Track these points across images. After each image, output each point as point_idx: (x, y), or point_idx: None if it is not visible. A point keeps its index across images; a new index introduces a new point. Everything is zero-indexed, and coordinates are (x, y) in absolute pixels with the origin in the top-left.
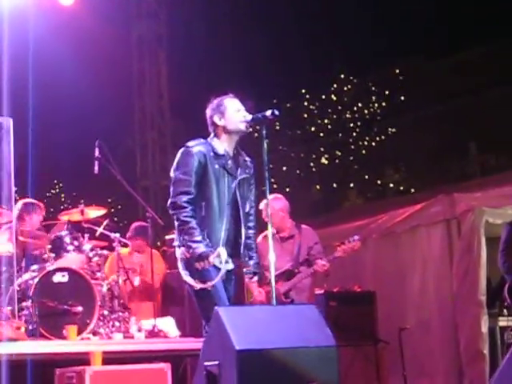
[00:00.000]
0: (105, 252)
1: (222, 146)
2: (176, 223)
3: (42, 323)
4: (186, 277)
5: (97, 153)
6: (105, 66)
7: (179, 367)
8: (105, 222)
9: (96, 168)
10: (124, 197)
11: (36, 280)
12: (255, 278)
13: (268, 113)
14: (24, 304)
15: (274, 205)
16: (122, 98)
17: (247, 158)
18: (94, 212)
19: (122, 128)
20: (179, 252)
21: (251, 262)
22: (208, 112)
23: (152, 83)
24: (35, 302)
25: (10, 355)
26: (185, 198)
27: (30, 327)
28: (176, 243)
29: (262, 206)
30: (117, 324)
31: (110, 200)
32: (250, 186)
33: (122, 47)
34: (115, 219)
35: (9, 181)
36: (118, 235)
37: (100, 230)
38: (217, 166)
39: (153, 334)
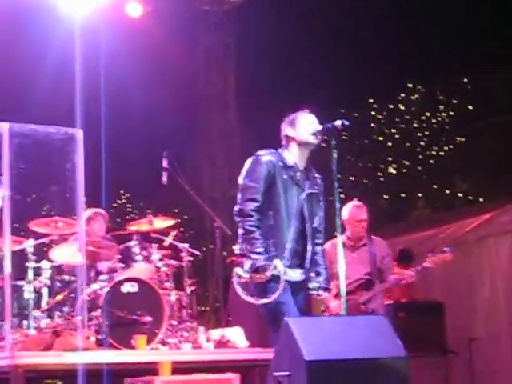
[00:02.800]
0: (173, 262)
1: (292, 157)
2: (240, 231)
3: (111, 333)
4: (244, 297)
5: (165, 163)
6: (173, 77)
7: (248, 377)
8: (173, 233)
9: (164, 179)
10: (190, 207)
11: (105, 290)
12: (325, 294)
13: (338, 123)
14: (93, 314)
15: (351, 212)
16: (190, 109)
17: (317, 175)
18: (162, 222)
19: (190, 139)
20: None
21: (320, 278)
22: (282, 126)
23: (219, 94)
24: (104, 312)
25: (80, 365)
26: (252, 205)
27: (100, 337)
28: (236, 251)
29: (344, 215)
30: (185, 334)
31: (176, 210)
32: (319, 203)
33: (189, 58)
34: (182, 229)
35: (79, 192)
36: (186, 245)
37: (168, 240)
38: (285, 177)
39: (221, 344)
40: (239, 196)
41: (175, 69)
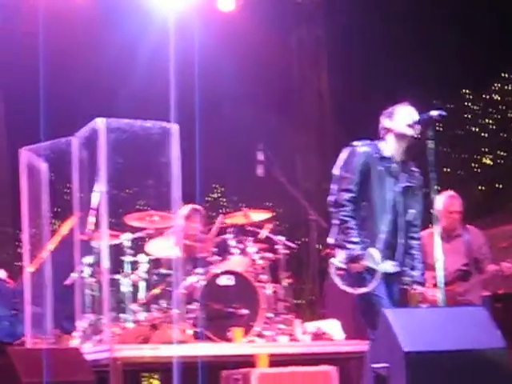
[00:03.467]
0: (269, 255)
1: (389, 149)
2: (335, 221)
3: (207, 326)
4: (343, 287)
5: (260, 156)
6: (266, 70)
7: (344, 370)
8: (269, 225)
9: (260, 171)
10: (284, 200)
11: (202, 283)
12: (420, 288)
13: (434, 113)
14: (190, 307)
15: (445, 202)
16: (284, 100)
17: (415, 169)
18: (257, 215)
19: (283, 130)
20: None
21: (416, 273)
22: (381, 118)
23: (312, 85)
24: (201, 305)
25: (177, 358)
26: (347, 195)
27: (197, 330)
28: (331, 241)
29: (438, 205)
30: (281, 326)
31: (270, 203)
32: (415, 197)
33: (282, 51)
34: (277, 222)
35: (176, 186)
36: (282, 238)
37: (264, 232)
38: (381, 168)
39: (317, 336)
40: (334, 186)
41: (268, 61)
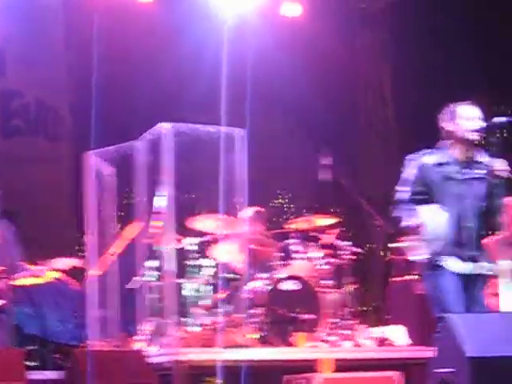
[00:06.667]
0: (334, 260)
1: None
2: None
3: (271, 330)
4: None
5: (324, 161)
6: (329, 74)
7: (409, 376)
8: (333, 231)
9: (323, 176)
10: (349, 206)
11: (266, 288)
12: None
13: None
14: (254, 311)
15: None
16: (347, 106)
17: None
18: (322, 221)
19: (347, 136)
20: None
21: None
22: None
23: (376, 90)
24: (265, 310)
25: (240, 362)
26: None
27: (260, 334)
28: None
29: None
30: (346, 332)
31: (334, 209)
32: None
33: (345, 55)
34: (342, 228)
35: (241, 190)
36: (347, 244)
37: (329, 238)
38: None
39: (382, 342)
40: None
41: (330, 65)
